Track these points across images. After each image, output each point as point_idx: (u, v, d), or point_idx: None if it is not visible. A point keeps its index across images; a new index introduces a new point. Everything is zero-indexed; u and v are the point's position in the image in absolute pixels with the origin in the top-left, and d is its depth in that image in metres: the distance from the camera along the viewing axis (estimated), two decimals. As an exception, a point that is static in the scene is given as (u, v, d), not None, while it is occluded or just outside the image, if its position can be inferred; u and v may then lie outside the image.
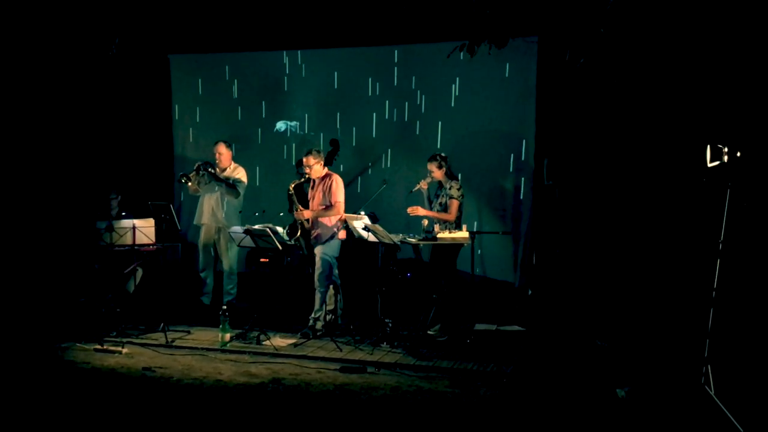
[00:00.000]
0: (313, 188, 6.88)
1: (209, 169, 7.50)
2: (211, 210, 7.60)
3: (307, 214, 6.73)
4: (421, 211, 6.68)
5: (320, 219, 6.73)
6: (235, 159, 8.05)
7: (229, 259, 7.67)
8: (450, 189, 6.73)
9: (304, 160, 6.77)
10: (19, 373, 5.57)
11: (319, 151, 6.83)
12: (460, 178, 7.12)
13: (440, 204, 6.79)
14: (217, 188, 7.54)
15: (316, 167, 6.74)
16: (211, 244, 7.71)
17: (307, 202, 6.90)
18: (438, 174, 6.82)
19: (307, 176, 6.80)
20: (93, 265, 7.28)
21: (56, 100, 7.93)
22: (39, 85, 7.75)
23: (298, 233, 6.74)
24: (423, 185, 6.78)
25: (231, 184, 7.51)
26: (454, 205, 6.69)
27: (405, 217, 7.19)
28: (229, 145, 7.74)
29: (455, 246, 6.56)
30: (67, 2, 7.61)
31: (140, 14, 8.02)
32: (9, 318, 6.76)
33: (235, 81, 8.75)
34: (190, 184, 7.51)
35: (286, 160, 8.58)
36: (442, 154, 6.90)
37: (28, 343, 6.32)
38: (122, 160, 8.50)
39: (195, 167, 7.53)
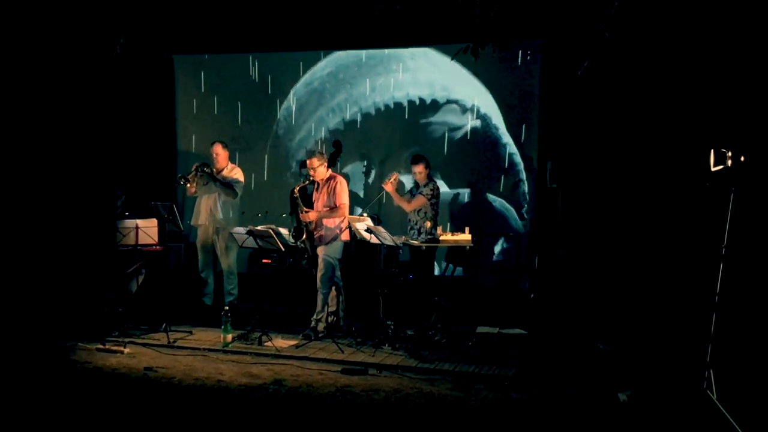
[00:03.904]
0: (317, 190, 6.88)
1: (206, 170, 7.49)
2: (208, 211, 7.59)
3: (312, 215, 6.73)
4: (389, 186, 6.94)
5: (324, 220, 6.73)
6: (238, 159, 8.05)
7: (228, 259, 7.65)
8: (425, 186, 7.03)
9: (308, 162, 6.78)
10: (22, 372, 5.57)
11: (323, 153, 6.86)
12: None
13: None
14: (214, 189, 7.53)
15: (320, 169, 6.75)
16: (209, 244, 7.69)
17: (312, 204, 6.91)
18: (424, 174, 7.06)
19: (311, 178, 6.80)
20: (99, 265, 7.28)
21: (60, 100, 7.93)
22: (43, 85, 7.76)
23: (304, 236, 6.74)
24: (389, 188, 6.94)
25: (228, 185, 7.50)
26: (419, 200, 7.00)
27: (406, 220, 7.22)
28: (225, 146, 7.73)
29: (432, 249, 6.81)
30: (72, 3, 7.62)
31: (144, 15, 8.02)
32: (13, 316, 6.76)
33: (239, 82, 8.77)
34: (188, 185, 7.49)
35: (289, 161, 8.59)
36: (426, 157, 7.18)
37: (32, 342, 6.33)
38: (126, 160, 8.50)
39: (193, 168, 7.52)
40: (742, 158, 4.67)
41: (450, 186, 7.97)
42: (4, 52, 7.46)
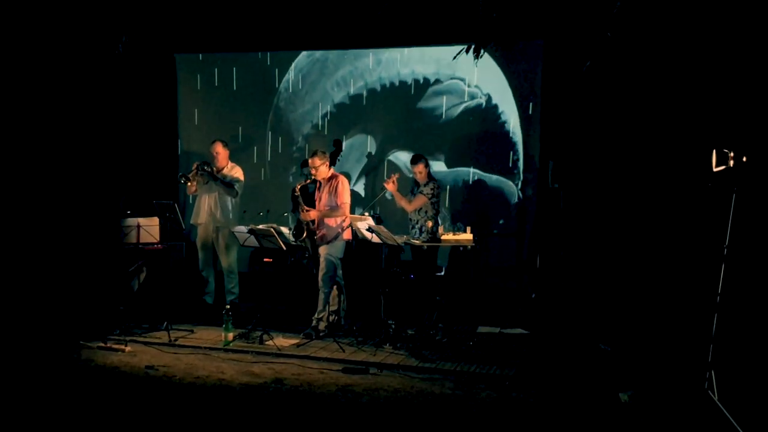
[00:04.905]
0: (319, 189, 6.88)
1: (207, 169, 7.49)
2: (209, 209, 7.58)
3: (313, 214, 6.73)
4: (390, 186, 6.97)
5: (325, 220, 6.73)
6: (239, 158, 8.04)
7: (229, 258, 7.64)
8: (426, 185, 7.04)
9: (310, 161, 6.78)
10: (24, 370, 5.58)
11: (324, 152, 6.84)
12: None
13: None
14: (215, 188, 7.52)
15: (321, 168, 6.75)
16: (209, 243, 7.68)
17: (313, 202, 6.91)
18: (424, 174, 7.08)
19: (312, 177, 6.81)
20: (101, 263, 7.29)
21: (63, 99, 7.94)
22: (46, 84, 7.76)
23: (304, 234, 6.74)
24: (390, 187, 6.98)
25: (229, 183, 7.49)
26: (420, 199, 7.02)
27: (407, 219, 7.22)
28: (225, 144, 7.72)
29: (434, 248, 6.86)
30: (75, 2, 7.63)
31: (147, 14, 8.04)
32: (16, 316, 6.76)
33: (241, 80, 8.78)
34: (189, 184, 7.48)
35: (290, 160, 8.60)
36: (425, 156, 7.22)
37: (34, 340, 6.33)
38: (128, 159, 8.51)
39: (193, 167, 7.51)
40: (744, 159, 4.67)
41: (448, 166, 7.99)
42: (6, 52, 7.46)
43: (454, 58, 6.63)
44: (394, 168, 8.12)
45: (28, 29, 7.56)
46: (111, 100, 8.47)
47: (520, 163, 7.78)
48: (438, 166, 7.92)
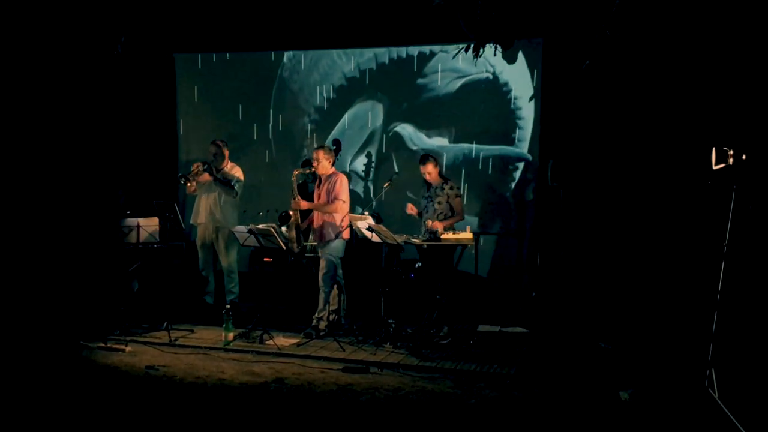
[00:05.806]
0: (318, 187, 6.88)
1: (206, 168, 7.47)
2: (208, 209, 7.56)
3: (303, 204, 6.72)
4: (439, 225, 6.63)
5: (325, 219, 6.72)
6: (239, 158, 8.04)
7: (228, 258, 7.62)
8: (450, 189, 6.82)
9: (315, 153, 6.78)
10: (24, 370, 5.58)
11: (331, 149, 6.84)
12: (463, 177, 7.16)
13: (438, 203, 6.82)
14: (214, 188, 7.51)
15: (324, 163, 6.74)
16: (209, 243, 7.66)
17: (307, 197, 6.94)
18: (435, 173, 6.86)
19: (313, 170, 6.81)
20: (101, 263, 7.29)
21: (63, 99, 7.95)
22: (46, 84, 7.77)
23: (291, 221, 6.74)
24: (437, 225, 6.66)
25: (229, 183, 7.49)
26: (459, 203, 6.82)
27: (407, 218, 7.21)
28: (225, 144, 7.71)
29: (452, 246, 6.63)
30: (74, 2, 7.63)
31: (146, 14, 8.03)
32: (15, 315, 6.76)
33: (240, 80, 8.77)
34: (188, 184, 7.47)
35: (290, 159, 8.59)
36: (433, 155, 7.04)
37: (34, 340, 6.33)
38: (127, 159, 8.51)
39: (194, 167, 7.50)
40: (744, 156, 4.67)
41: (451, 141, 8.01)
42: (6, 52, 7.47)
43: (454, 57, 6.64)
44: (398, 138, 8.11)
45: (28, 29, 7.57)
46: (110, 100, 8.48)
47: (527, 133, 7.71)
48: (441, 141, 7.94)
